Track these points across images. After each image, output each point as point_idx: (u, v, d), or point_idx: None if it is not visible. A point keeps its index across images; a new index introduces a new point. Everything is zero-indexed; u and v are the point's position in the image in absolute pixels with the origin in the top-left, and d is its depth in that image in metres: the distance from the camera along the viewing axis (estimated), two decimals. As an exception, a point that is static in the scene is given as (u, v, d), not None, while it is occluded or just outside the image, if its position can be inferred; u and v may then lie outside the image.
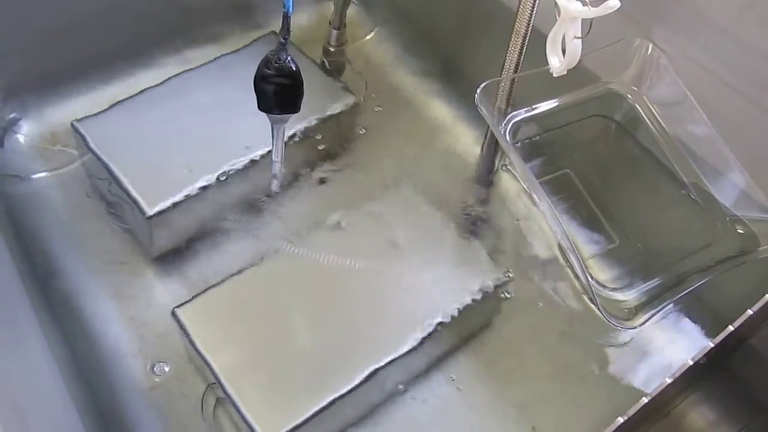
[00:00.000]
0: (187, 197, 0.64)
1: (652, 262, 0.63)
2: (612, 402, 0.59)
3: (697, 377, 0.50)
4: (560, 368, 0.60)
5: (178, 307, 0.58)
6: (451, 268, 0.61)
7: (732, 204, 0.64)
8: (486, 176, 0.73)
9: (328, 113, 0.71)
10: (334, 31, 0.80)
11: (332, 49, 0.81)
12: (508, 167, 0.73)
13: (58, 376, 0.54)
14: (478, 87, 0.63)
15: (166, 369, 0.58)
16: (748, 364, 0.55)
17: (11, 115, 0.72)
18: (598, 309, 0.58)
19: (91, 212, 0.68)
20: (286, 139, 0.67)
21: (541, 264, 0.66)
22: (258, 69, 0.53)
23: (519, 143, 0.70)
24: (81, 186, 0.69)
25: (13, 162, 0.70)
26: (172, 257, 0.65)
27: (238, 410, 0.52)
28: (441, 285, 0.60)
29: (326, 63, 0.81)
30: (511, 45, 0.65)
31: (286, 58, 0.52)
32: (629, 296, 0.61)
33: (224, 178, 0.66)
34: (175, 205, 0.63)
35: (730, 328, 0.48)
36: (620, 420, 0.44)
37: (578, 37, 0.57)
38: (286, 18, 0.50)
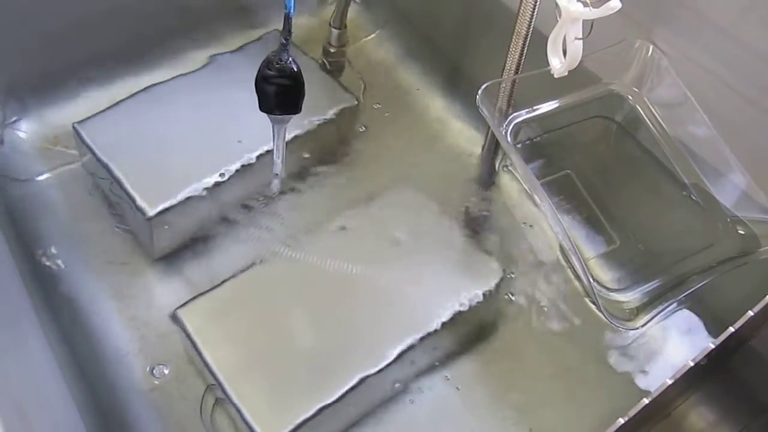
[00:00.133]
0: (188, 198, 0.64)
1: (653, 262, 0.63)
2: (612, 403, 0.59)
3: (698, 378, 0.50)
4: (561, 369, 0.60)
5: (179, 308, 0.58)
6: (452, 268, 0.61)
7: (733, 205, 0.64)
8: (487, 177, 0.73)
9: (329, 114, 0.71)
10: (335, 32, 0.80)
11: (333, 50, 0.81)
12: (509, 168, 0.73)
13: (59, 375, 0.54)
14: (479, 87, 0.63)
15: (166, 372, 0.58)
16: (748, 365, 0.55)
17: (13, 116, 0.72)
18: (600, 310, 0.58)
19: (91, 213, 0.68)
20: (287, 139, 0.67)
21: (542, 265, 0.66)
22: (259, 70, 0.53)
23: (520, 144, 0.70)
24: (82, 186, 0.69)
25: (13, 162, 0.70)
26: (172, 258, 0.65)
27: (238, 411, 0.53)
28: (441, 286, 0.60)
29: (327, 63, 0.81)
30: (512, 46, 0.65)
31: (288, 59, 0.52)
32: (630, 297, 0.61)
33: (225, 178, 0.66)
34: (175, 205, 0.63)
35: (731, 329, 0.48)
36: (621, 421, 0.44)
37: (579, 38, 0.57)
38: (287, 19, 0.50)
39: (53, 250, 0.65)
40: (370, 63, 0.82)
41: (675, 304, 0.60)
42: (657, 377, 0.59)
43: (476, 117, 0.74)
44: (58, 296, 0.62)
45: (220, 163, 0.66)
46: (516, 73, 0.66)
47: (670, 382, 0.46)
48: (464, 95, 0.78)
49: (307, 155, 0.72)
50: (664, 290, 0.61)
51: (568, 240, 0.59)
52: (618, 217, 0.67)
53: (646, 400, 0.45)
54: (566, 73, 0.60)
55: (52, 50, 0.72)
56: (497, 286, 0.61)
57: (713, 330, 0.61)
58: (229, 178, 0.66)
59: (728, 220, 0.64)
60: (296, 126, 0.69)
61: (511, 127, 0.69)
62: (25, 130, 0.72)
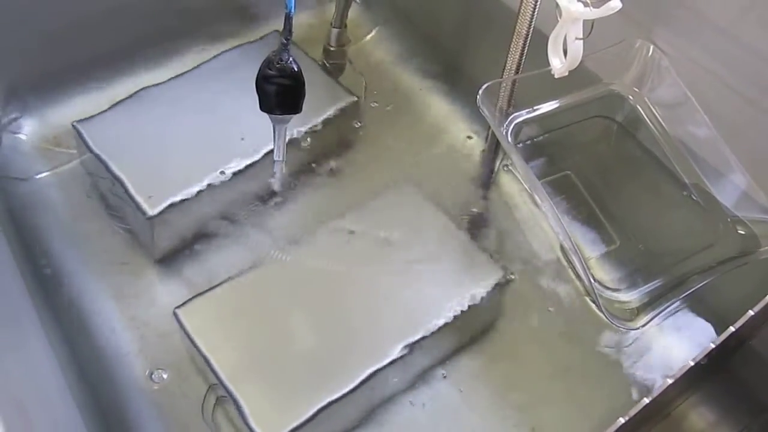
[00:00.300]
0: (188, 197, 0.64)
1: (654, 262, 0.63)
2: (613, 403, 0.59)
3: (698, 378, 0.50)
4: (561, 369, 0.60)
5: (178, 307, 0.58)
6: (452, 268, 0.61)
7: (733, 205, 0.64)
8: (487, 177, 0.73)
9: (329, 113, 0.71)
10: (335, 31, 0.80)
11: (333, 49, 0.81)
12: (510, 168, 0.73)
13: (60, 375, 0.54)
14: (479, 87, 0.63)
15: (165, 376, 0.58)
16: (748, 365, 0.55)
17: (12, 116, 0.72)
18: (600, 310, 0.58)
19: (92, 212, 0.68)
20: (287, 139, 0.67)
21: (542, 265, 0.66)
22: (260, 69, 0.53)
23: (520, 144, 0.70)
24: (82, 186, 0.69)
25: (14, 162, 0.70)
26: (173, 258, 0.65)
27: (239, 410, 0.53)
28: (442, 286, 0.60)
29: (327, 63, 0.81)
30: (512, 46, 0.65)
31: (288, 59, 0.52)
32: (631, 297, 0.61)
33: (225, 178, 0.66)
34: (176, 205, 0.63)
35: (731, 329, 0.48)
36: (621, 420, 0.44)
37: (580, 39, 0.57)
38: (288, 19, 0.50)
39: (53, 250, 0.65)
40: (370, 62, 0.82)
41: (675, 304, 0.60)
42: (657, 377, 0.59)
43: (477, 117, 0.74)
44: (59, 296, 0.62)
45: (220, 163, 0.66)
46: (516, 72, 0.66)
47: (670, 381, 0.46)
48: (465, 95, 0.78)
49: (307, 155, 0.72)
50: (665, 290, 0.61)
51: (568, 240, 0.59)
52: (618, 217, 0.67)
53: (646, 400, 0.45)
54: (567, 73, 0.60)
55: (52, 50, 0.72)
56: (497, 285, 0.61)
57: (714, 330, 0.61)
58: (229, 178, 0.66)
59: (728, 220, 0.64)
60: (297, 126, 0.69)
61: (511, 126, 0.69)
62: (25, 129, 0.72)
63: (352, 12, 0.81)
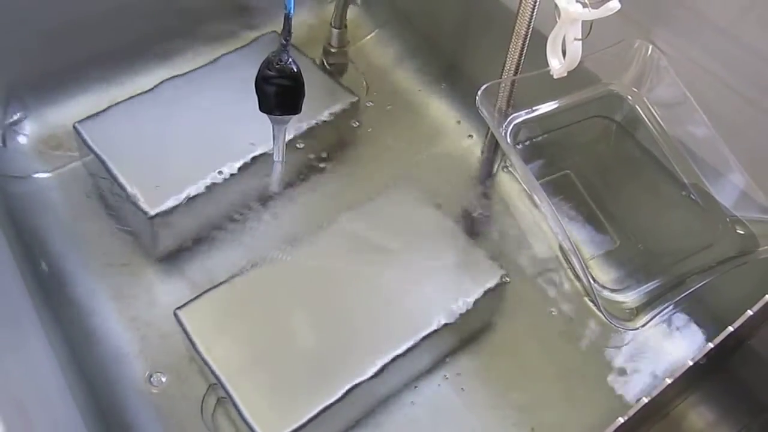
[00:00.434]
0: (189, 197, 0.64)
1: (653, 262, 0.63)
2: (612, 402, 0.59)
3: (697, 378, 0.50)
4: (560, 369, 0.60)
5: (179, 308, 0.58)
6: (452, 268, 0.62)
7: (732, 205, 0.64)
8: (486, 177, 0.73)
9: (329, 114, 0.72)
10: (335, 32, 0.80)
11: (333, 50, 0.81)
12: (509, 168, 0.73)
13: (60, 375, 0.54)
14: (478, 88, 0.63)
15: (163, 380, 0.58)
16: (747, 364, 0.55)
17: (12, 116, 0.72)
18: (599, 310, 0.58)
19: (92, 213, 0.68)
20: (287, 139, 0.67)
21: (541, 265, 0.66)
22: (259, 70, 0.53)
23: (519, 144, 0.70)
24: (82, 186, 0.69)
25: (14, 162, 0.70)
26: (173, 258, 0.65)
27: (238, 411, 0.53)
28: (441, 286, 0.60)
29: (327, 63, 0.81)
30: (511, 46, 0.65)
31: (288, 60, 0.52)
32: (630, 297, 0.61)
33: (225, 178, 0.66)
34: (176, 205, 0.64)
35: (730, 328, 0.48)
36: (620, 420, 0.44)
37: (578, 39, 0.57)
38: (287, 19, 0.50)
39: (54, 250, 0.65)
40: (370, 63, 0.82)
41: (675, 304, 0.60)
42: (656, 377, 0.59)
43: (476, 117, 0.74)
44: (59, 296, 0.62)
45: (220, 163, 0.66)
46: (515, 73, 0.66)
47: (669, 381, 0.46)
48: (464, 95, 0.78)
49: (306, 155, 0.72)
50: (664, 290, 0.61)
51: (567, 240, 0.59)
52: (617, 217, 0.67)
53: (645, 400, 0.45)
54: (565, 74, 0.60)
55: (52, 50, 0.72)
56: (497, 286, 0.61)
57: (712, 330, 0.61)
58: (229, 178, 0.66)
59: (727, 219, 0.64)
60: (296, 126, 0.69)
61: (510, 127, 0.69)
62: (25, 130, 0.72)
63: (352, 13, 0.81)
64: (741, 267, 0.60)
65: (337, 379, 0.54)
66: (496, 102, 0.68)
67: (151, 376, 0.58)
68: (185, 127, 0.68)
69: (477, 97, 0.63)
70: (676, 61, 0.65)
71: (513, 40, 0.64)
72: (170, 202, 0.63)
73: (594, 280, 0.61)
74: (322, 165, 0.72)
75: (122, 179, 0.64)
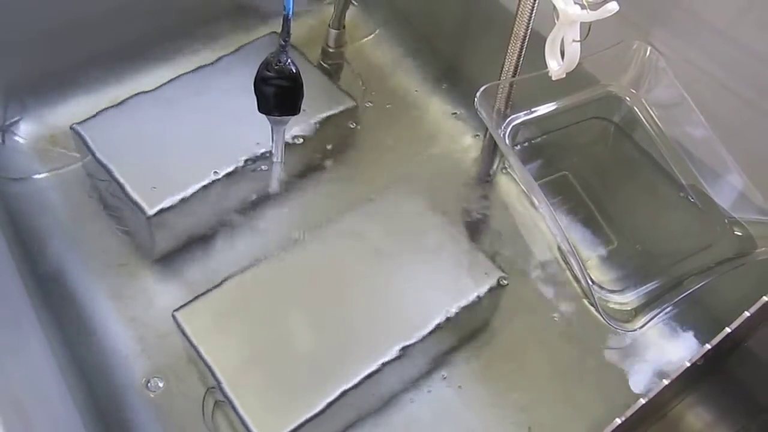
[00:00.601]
0: (187, 198, 0.64)
1: (651, 264, 0.63)
2: (610, 403, 0.59)
3: (695, 379, 0.50)
4: (559, 369, 0.61)
5: (177, 309, 0.58)
6: (450, 269, 0.62)
7: (730, 206, 0.64)
8: (485, 178, 0.73)
9: (328, 114, 0.72)
10: (334, 33, 0.80)
11: (332, 51, 0.81)
12: (508, 169, 0.73)
13: (59, 376, 0.54)
14: (477, 89, 0.64)
15: (161, 384, 0.58)
16: (744, 365, 0.55)
17: (12, 116, 0.72)
18: (598, 311, 0.58)
19: (91, 213, 0.68)
20: (286, 140, 0.68)
21: (540, 266, 0.66)
22: (258, 71, 0.53)
23: (518, 146, 0.70)
24: (81, 187, 0.69)
25: (13, 163, 0.70)
26: (172, 258, 0.65)
27: (236, 412, 0.53)
28: (440, 286, 0.60)
29: (325, 64, 0.81)
30: (510, 47, 0.65)
31: (287, 61, 0.52)
32: (629, 298, 0.61)
33: (224, 178, 0.66)
34: (174, 205, 0.64)
35: (727, 330, 0.48)
36: (618, 421, 0.44)
37: (577, 41, 0.57)
38: (286, 20, 0.50)
39: (52, 251, 0.65)
40: (369, 64, 0.82)
41: (673, 306, 0.60)
42: (654, 378, 0.60)
43: (475, 118, 0.74)
44: (58, 297, 0.62)
45: (219, 164, 0.66)
46: (514, 74, 0.67)
47: (666, 382, 0.46)
48: (463, 96, 0.78)
49: (305, 156, 0.72)
50: (662, 291, 0.61)
51: (566, 241, 0.60)
52: (616, 219, 0.67)
53: (642, 401, 0.45)
54: (564, 75, 0.60)
55: (52, 50, 0.72)
56: (495, 286, 0.61)
57: (710, 331, 0.61)
58: (228, 179, 0.66)
59: (725, 221, 0.64)
60: (295, 127, 0.69)
61: (509, 128, 0.69)
62: (24, 130, 0.72)
63: (351, 13, 0.81)
64: (739, 268, 0.60)
65: (335, 380, 0.54)
66: (494, 103, 0.68)
67: (148, 382, 0.58)
68: (184, 127, 0.68)
69: (476, 99, 0.63)
70: (675, 63, 0.66)
71: (512, 42, 0.64)
72: (168, 203, 0.63)
73: (592, 281, 0.61)
74: (320, 166, 0.72)
75: (120, 180, 0.64)
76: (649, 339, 0.62)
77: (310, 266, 0.61)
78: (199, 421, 0.56)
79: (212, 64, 0.74)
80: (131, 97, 0.70)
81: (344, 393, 0.54)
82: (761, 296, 0.50)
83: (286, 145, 0.68)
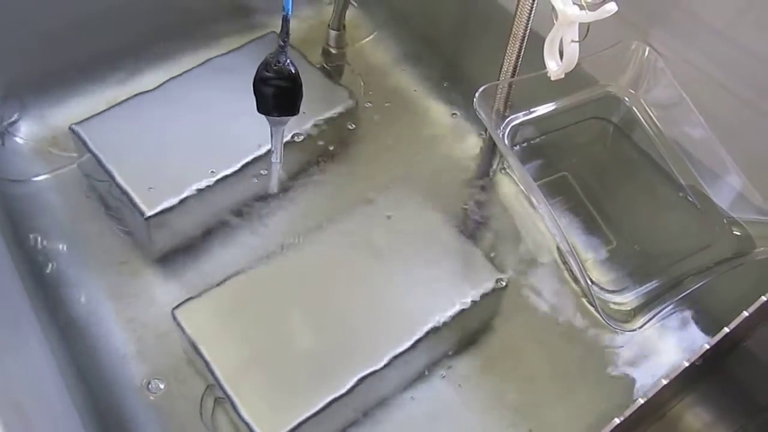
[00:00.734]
0: (186, 198, 0.64)
1: (650, 264, 0.63)
2: (609, 403, 0.59)
3: (693, 379, 0.50)
4: (558, 369, 0.61)
5: (176, 307, 0.58)
6: (450, 269, 0.62)
7: (729, 206, 0.65)
8: (484, 178, 0.73)
9: (327, 115, 0.72)
10: (333, 33, 0.80)
11: (331, 51, 0.81)
12: (507, 170, 0.73)
13: (59, 376, 0.54)
14: (476, 89, 0.64)
15: (161, 386, 0.58)
16: (743, 365, 0.55)
17: (11, 117, 0.72)
18: (597, 311, 0.58)
19: (90, 213, 0.68)
20: (285, 140, 0.68)
21: (539, 266, 0.66)
22: (257, 71, 0.53)
23: (517, 146, 0.70)
24: (80, 187, 0.70)
25: (12, 163, 0.71)
26: (171, 258, 0.65)
27: (237, 411, 0.53)
28: (439, 286, 0.60)
29: (325, 65, 0.81)
30: (509, 48, 0.65)
31: (286, 61, 0.52)
32: (628, 298, 0.61)
33: (223, 179, 0.66)
34: (173, 206, 0.64)
35: (726, 329, 0.48)
36: (617, 421, 0.44)
37: (576, 41, 0.57)
38: (285, 21, 0.50)
39: (52, 251, 0.65)
40: (369, 64, 0.82)
41: (672, 305, 0.60)
42: (653, 377, 0.60)
43: (474, 118, 0.74)
44: (57, 297, 0.62)
45: (218, 164, 0.66)
46: (513, 74, 0.67)
47: (665, 382, 0.46)
48: (462, 96, 0.79)
49: (305, 156, 0.72)
50: (661, 291, 0.61)
51: (565, 241, 0.60)
52: (615, 219, 0.67)
53: (641, 400, 0.45)
54: (563, 76, 0.60)
55: (51, 50, 0.72)
56: (495, 287, 0.61)
57: (709, 330, 0.61)
58: (227, 179, 0.66)
59: (724, 221, 0.64)
60: (294, 127, 0.69)
61: (508, 129, 0.69)
62: (23, 131, 0.72)
63: (350, 14, 0.81)
64: (737, 268, 0.60)
65: (334, 379, 0.54)
66: (493, 103, 0.68)
67: (149, 383, 0.58)
68: (183, 127, 0.68)
69: (475, 99, 0.63)
70: (673, 63, 0.66)
71: (510, 42, 0.64)
72: (167, 203, 0.63)
73: (591, 281, 0.61)
74: (320, 166, 0.72)
75: (119, 180, 0.64)
76: (647, 339, 0.62)
77: (310, 266, 0.61)
78: (198, 419, 0.56)
79: (211, 64, 0.74)
80: (130, 97, 0.70)
81: (344, 392, 0.54)
82: (760, 296, 0.50)
83: (286, 145, 0.68)
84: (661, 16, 0.66)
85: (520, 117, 0.69)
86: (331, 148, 0.73)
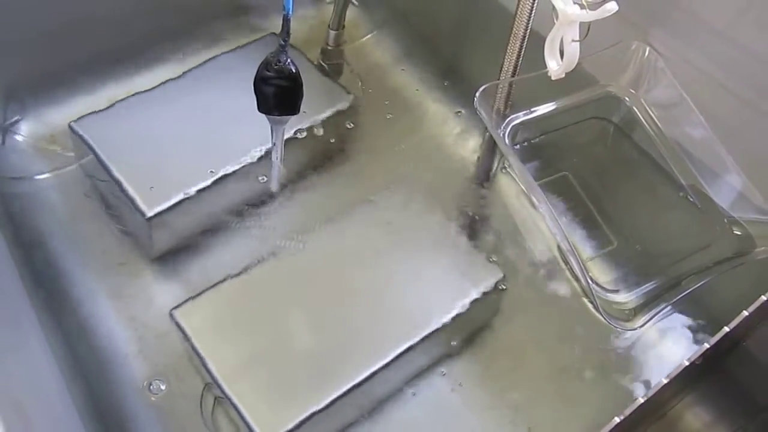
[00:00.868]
0: (186, 198, 0.64)
1: (651, 263, 0.64)
2: (609, 402, 0.59)
3: (693, 379, 0.50)
4: (558, 369, 0.61)
5: (175, 308, 0.58)
6: (450, 269, 0.62)
7: (729, 206, 0.65)
8: (485, 178, 0.73)
9: (327, 114, 0.72)
10: (333, 32, 0.80)
11: (331, 50, 0.81)
12: (507, 169, 0.73)
13: (59, 375, 0.54)
14: (477, 88, 0.64)
15: (162, 387, 0.58)
16: (743, 365, 0.55)
17: (11, 116, 0.72)
18: (598, 310, 0.58)
19: (90, 213, 0.68)
20: (285, 140, 0.68)
21: (540, 265, 0.66)
22: (258, 71, 0.53)
23: (518, 145, 0.70)
24: (80, 187, 0.70)
25: (12, 163, 0.71)
26: (171, 258, 0.65)
27: (236, 410, 0.53)
28: (439, 286, 0.60)
29: (325, 64, 0.81)
30: (509, 47, 0.65)
31: (286, 60, 0.52)
32: (628, 298, 0.61)
33: (223, 178, 0.66)
34: (173, 205, 0.64)
35: (726, 329, 0.48)
36: (616, 420, 0.44)
37: (576, 41, 0.58)
38: (286, 20, 0.50)
39: (52, 251, 0.65)
40: (369, 63, 0.82)
41: (672, 305, 0.60)
42: (654, 377, 0.60)
43: (474, 118, 0.74)
44: (57, 297, 0.62)
45: (218, 164, 0.66)
46: (513, 74, 0.67)
47: (665, 381, 0.46)
48: (462, 96, 0.79)
49: (305, 156, 0.72)
50: (662, 291, 0.61)
51: (566, 241, 0.60)
52: (615, 218, 0.67)
53: (641, 400, 0.45)
54: (563, 75, 0.60)
55: (51, 50, 0.72)
56: (495, 286, 0.61)
57: (710, 330, 0.61)
58: (227, 178, 0.66)
59: (725, 220, 0.64)
60: (295, 127, 0.69)
61: (508, 128, 0.69)
62: (24, 129, 0.72)
63: (350, 13, 0.81)
64: (737, 268, 0.61)
65: (334, 378, 0.54)
66: (494, 103, 0.68)
67: (150, 384, 0.58)
68: (183, 127, 0.68)
69: (475, 98, 0.63)
70: (673, 63, 0.66)
71: (511, 42, 0.64)
72: (167, 203, 0.63)
73: (592, 280, 0.61)
74: (320, 165, 0.72)
75: (119, 179, 0.64)
76: (648, 338, 0.62)
77: (309, 266, 0.61)
78: (198, 419, 0.56)
79: (212, 63, 0.74)
80: (130, 96, 0.70)
81: (343, 392, 0.54)
82: (760, 296, 0.50)
83: (286, 144, 0.68)
84: (662, 16, 0.66)
85: (521, 116, 0.69)
86: (332, 148, 0.73)
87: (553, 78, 0.61)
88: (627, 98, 0.71)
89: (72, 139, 0.69)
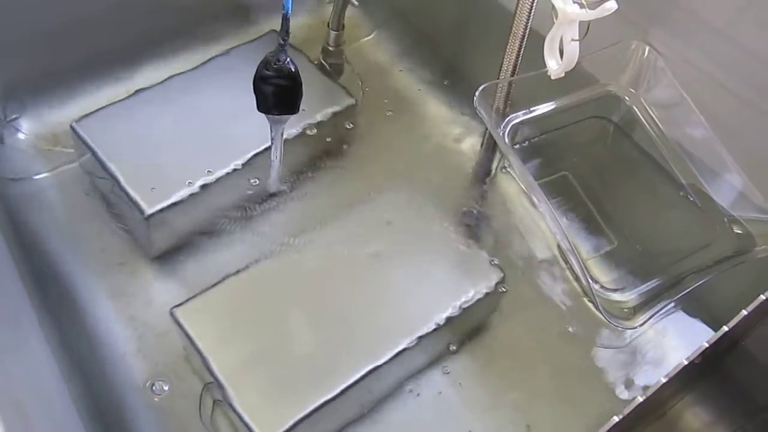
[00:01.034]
0: (186, 197, 0.64)
1: (651, 262, 0.64)
2: (608, 401, 0.59)
3: (692, 378, 0.50)
4: (557, 368, 0.61)
5: (175, 307, 0.58)
6: (450, 268, 0.62)
7: (729, 205, 0.65)
8: (485, 178, 0.73)
9: (327, 114, 0.72)
10: (333, 32, 0.80)
11: (331, 50, 0.81)
12: (507, 169, 0.73)
13: (59, 375, 0.54)
14: (476, 88, 0.64)
15: (165, 388, 0.58)
16: (742, 365, 0.55)
17: (11, 115, 0.72)
18: (598, 309, 0.58)
19: (90, 212, 0.68)
20: (285, 139, 0.68)
21: (540, 265, 0.66)
22: (257, 70, 0.53)
23: (517, 145, 0.70)
24: (80, 186, 0.70)
25: (12, 162, 0.71)
26: (170, 257, 0.65)
27: (235, 410, 0.53)
28: (439, 285, 0.60)
29: (325, 64, 0.81)
30: (509, 46, 0.65)
31: (286, 60, 0.52)
32: (628, 297, 0.61)
33: (223, 177, 0.66)
34: (173, 204, 0.64)
35: (725, 328, 0.48)
36: (616, 419, 0.44)
37: (576, 40, 0.58)
38: (285, 19, 0.50)
39: (52, 250, 0.65)
40: (369, 63, 0.82)
41: (672, 304, 0.60)
42: (653, 376, 0.60)
43: (474, 117, 0.74)
44: (57, 296, 0.62)
45: (218, 163, 0.66)
46: (513, 73, 0.67)
47: (664, 380, 0.46)
48: (462, 95, 0.79)
49: (304, 155, 0.72)
50: (662, 290, 0.61)
51: (566, 240, 0.60)
52: (615, 218, 0.67)
53: (640, 399, 0.45)
54: (563, 75, 0.60)
55: (51, 49, 0.72)
56: (496, 286, 0.61)
57: (709, 329, 0.61)
58: (226, 178, 0.66)
59: (725, 219, 0.64)
60: (294, 126, 0.69)
61: (508, 128, 0.69)
62: (24, 129, 0.73)
63: (350, 13, 0.81)
64: (737, 267, 0.61)
65: (334, 377, 0.54)
66: (493, 102, 0.68)
67: (153, 385, 0.58)
68: (182, 126, 0.68)
69: (475, 98, 0.63)
70: (673, 62, 0.66)
71: (510, 41, 0.64)
72: (167, 202, 0.63)
73: (592, 279, 0.62)
74: (319, 165, 0.72)
75: (119, 178, 0.64)
76: (647, 337, 0.62)
77: (309, 265, 0.61)
78: (197, 418, 0.56)
79: (211, 63, 0.74)
80: (130, 95, 0.70)
81: (343, 391, 0.54)
82: (759, 295, 0.50)
83: (285, 143, 0.68)
84: (661, 15, 0.66)
85: (521, 116, 0.69)
86: (331, 147, 0.73)
87: (552, 77, 0.61)
88: (627, 97, 0.71)
89: (72, 138, 0.69)
